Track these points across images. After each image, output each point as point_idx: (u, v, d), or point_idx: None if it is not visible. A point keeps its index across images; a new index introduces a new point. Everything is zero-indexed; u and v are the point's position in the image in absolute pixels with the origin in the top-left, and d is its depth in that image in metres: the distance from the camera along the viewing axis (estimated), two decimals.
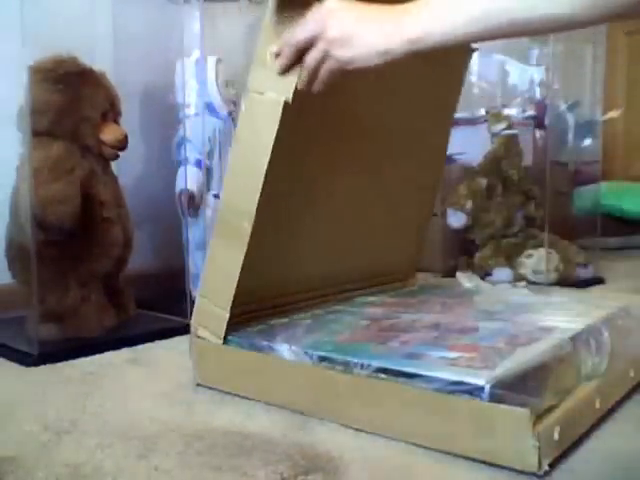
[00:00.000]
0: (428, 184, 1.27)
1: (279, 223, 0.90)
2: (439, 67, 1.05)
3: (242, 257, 0.82)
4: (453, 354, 0.74)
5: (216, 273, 0.87)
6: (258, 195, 0.80)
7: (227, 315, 0.85)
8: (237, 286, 0.84)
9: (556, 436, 0.63)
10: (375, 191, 1.09)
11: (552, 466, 0.62)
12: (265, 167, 0.79)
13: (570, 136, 1.85)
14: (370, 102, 0.99)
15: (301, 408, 0.78)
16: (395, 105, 1.04)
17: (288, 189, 0.89)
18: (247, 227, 0.82)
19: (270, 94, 0.79)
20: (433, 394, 0.67)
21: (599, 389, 0.74)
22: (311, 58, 0.74)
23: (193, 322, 0.90)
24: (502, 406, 0.63)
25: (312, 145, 0.92)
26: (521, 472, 0.62)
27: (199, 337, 0.89)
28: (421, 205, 1.27)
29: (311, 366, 0.78)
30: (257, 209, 0.81)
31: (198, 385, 0.88)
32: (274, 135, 0.78)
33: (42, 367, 0.99)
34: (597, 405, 0.73)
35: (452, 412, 0.66)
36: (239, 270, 0.83)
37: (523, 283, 1.25)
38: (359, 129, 1.00)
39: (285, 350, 0.81)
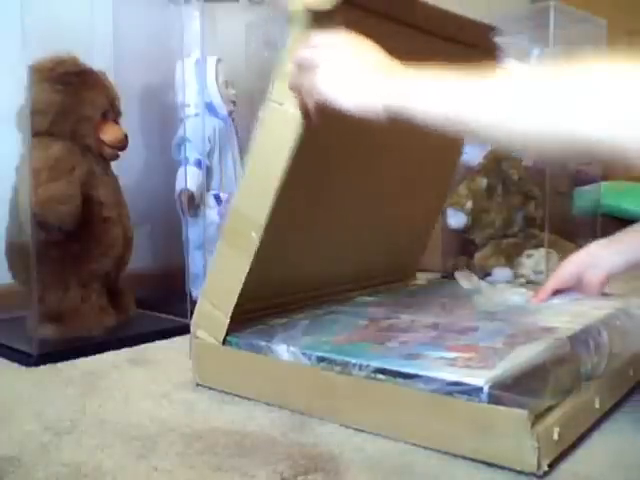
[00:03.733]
0: (438, 187, 1.26)
1: (285, 231, 0.89)
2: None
3: (248, 266, 0.82)
4: (452, 354, 0.75)
5: (220, 278, 0.87)
6: (269, 208, 0.80)
7: (227, 320, 0.86)
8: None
9: (555, 436, 0.63)
10: (382, 194, 1.08)
11: (551, 466, 0.62)
12: (279, 182, 0.79)
13: None
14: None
15: (300, 409, 0.78)
16: None
17: (298, 198, 0.88)
18: (255, 237, 0.82)
19: (289, 106, 0.78)
20: (432, 395, 0.68)
21: (598, 389, 0.74)
22: (303, 82, 0.71)
23: (193, 323, 0.90)
24: (500, 407, 0.63)
25: (327, 158, 0.91)
26: (521, 472, 0.62)
27: (198, 337, 0.89)
28: (428, 208, 1.26)
29: (309, 367, 0.78)
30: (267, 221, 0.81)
31: (198, 385, 0.88)
32: (291, 151, 0.78)
33: (42, 367, 0.99)
34: (596, 405, 0.73)
35: (451, 413, 0.66)
36: (244, 278, 0.83)
37: (523, 287, 1.25)
38: (374, 140, 0.98)
39: (283, 351, 0.81)
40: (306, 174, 0.84)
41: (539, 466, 0.61)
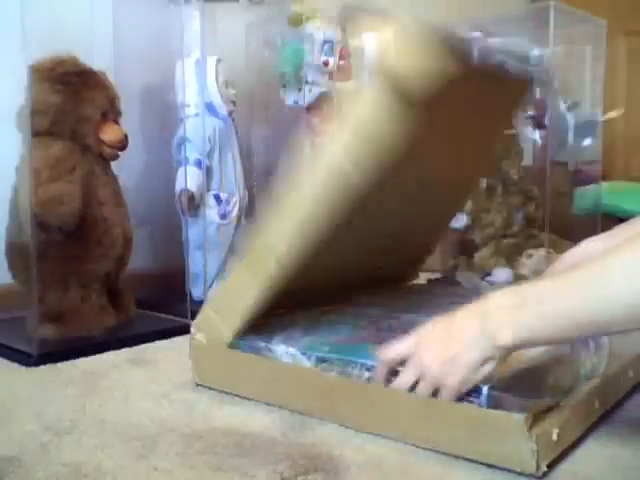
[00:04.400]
0: (458, 195, 1.24)
1: (304, 258, 0.85)
2: (494, 100, 1.00)
3: (261, 292, 0.82)
4: None
5: (230, 293, 0.86)
6: (297, 246, 0.79)
7: (230, 336, 0.85)
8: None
9: (554, 437, 0.63)
10: (402, 207, 1.05)
11: (551, 466, 0.62)
12: (314, 226, 0.77)
13: (570, 136, 1.85)
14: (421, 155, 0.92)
15: (299, 409, 0.78)
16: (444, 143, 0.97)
17: (325, 235, 0.84)
18: (274, 268, 0.80)
19: (343, 161, 0.75)
20: (431, 400, 0.67)
21: (598, 390, 0.74)
22: (423, 390, 0.68)
23: (194, 325, 0.90)
24: (498, 411, 0.63)
25: (361, 199, 0.86)
26: (521, 473, 0.62)
27: (196, 339, 0.89)
28: (444, 212, 1.25)
29: (308, 367, 0.78)
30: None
31: (198, 385, 0.88)
32: (333, 204, 0.76)
33: (42, 367, 0.99)
34: (596, 406, 0.73)
35: (449, 414, 0.66)
36: (255, 302, 0.82)
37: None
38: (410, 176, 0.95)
39: (282, 351, 0.81)
40: (339, 217, 0.81)
41: (538, 467, 0.61)
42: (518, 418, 0.61)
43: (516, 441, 0.61)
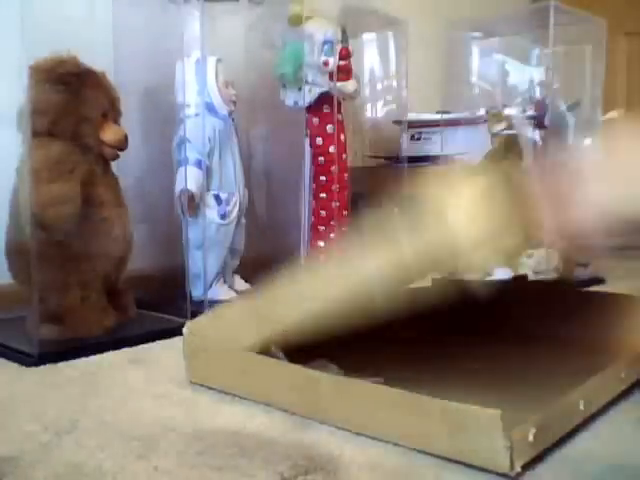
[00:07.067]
0: None
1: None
2: None
3: (260, 346, 0.81)
4: None
5: (231, 326, 0.86)
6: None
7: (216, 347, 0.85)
8: None
9: (531, 438, 0.62)
10: None
11: (528, 467, 0.61)
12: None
13: (570, 136, 1.85)
14: None
15: (286, 408, 0.78)
16: None
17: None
18: (280, 340, 0.80)
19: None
20: (407, 393, 0.67)
21: (583, 391, 0.72)
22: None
23: (187, 326, 0.90)
24: (473, 407, 0.62)
25: None
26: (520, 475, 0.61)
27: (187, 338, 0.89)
28: None
29: (294, 365, 0.78)
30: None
31: (197, 385, 0.88)
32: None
33: (42, 367, 0.99)
34: (581, 407, 0.71)
35: (426, 412, 0.66)
36: (250, 349, 0.82)
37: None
38: None
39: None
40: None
41: (512, 467, 0.59)
42: (494, 414, 0.60)
43: (490, 438, 0.60)
